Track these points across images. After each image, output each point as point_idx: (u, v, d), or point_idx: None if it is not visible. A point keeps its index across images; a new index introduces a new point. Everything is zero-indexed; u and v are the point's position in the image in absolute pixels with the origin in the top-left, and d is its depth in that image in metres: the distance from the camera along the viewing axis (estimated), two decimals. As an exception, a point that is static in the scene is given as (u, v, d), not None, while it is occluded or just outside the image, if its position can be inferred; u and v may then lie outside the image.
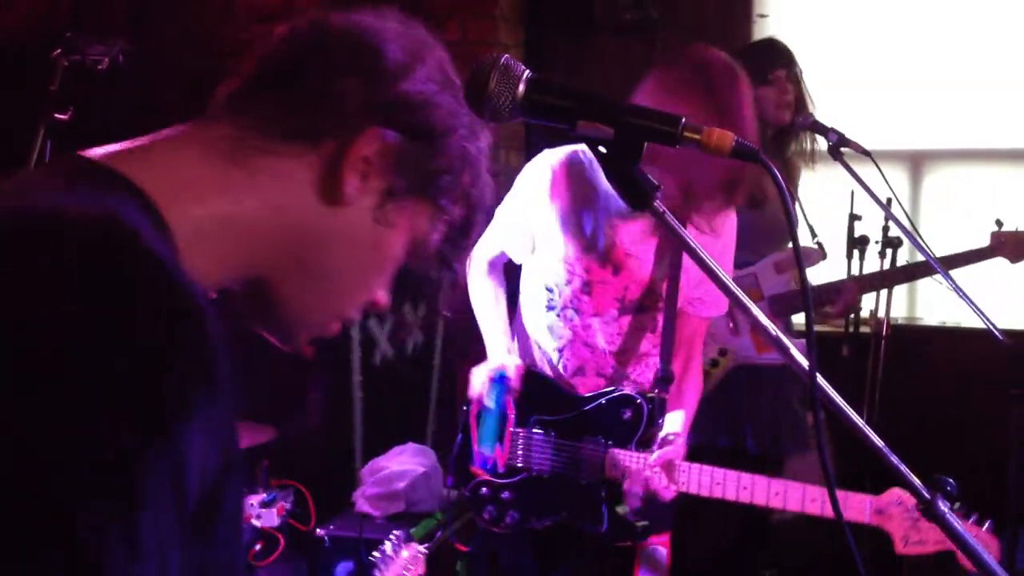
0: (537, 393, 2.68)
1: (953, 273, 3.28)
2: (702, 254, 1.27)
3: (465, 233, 1.20)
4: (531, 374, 2.70)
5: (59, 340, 0.79)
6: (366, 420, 3.90)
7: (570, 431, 2.63)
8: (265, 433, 3.33)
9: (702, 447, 3.62)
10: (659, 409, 2.60)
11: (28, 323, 0.79)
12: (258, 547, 3.15)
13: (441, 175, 1.14)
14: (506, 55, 1.25)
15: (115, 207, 0.91)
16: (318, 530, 3.20)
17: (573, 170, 2.60)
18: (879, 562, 3.68)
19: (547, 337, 2.72)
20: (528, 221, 2.68)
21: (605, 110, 1.24)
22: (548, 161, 2.64)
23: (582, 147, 2.57)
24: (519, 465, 2.66)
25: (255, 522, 3.15)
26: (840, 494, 2.42)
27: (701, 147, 1.21)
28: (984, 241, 3.69)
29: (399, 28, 1.15)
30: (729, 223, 2.68)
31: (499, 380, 2.63)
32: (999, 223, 3.67)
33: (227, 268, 1.06)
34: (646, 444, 2.57)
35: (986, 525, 2.37)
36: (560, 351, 2.70)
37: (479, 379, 2.65)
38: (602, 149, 1.24)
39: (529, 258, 2.74)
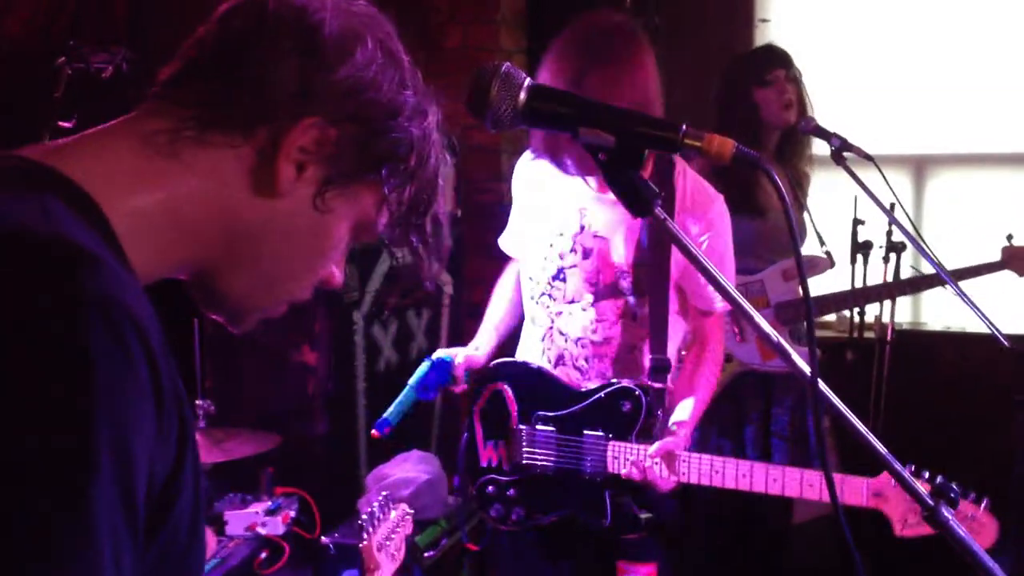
0: (539, 389, 2.69)
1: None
2: (703, 259, 1.27)
3: (417, 212, 1.18)
4: (532, 370, 2.72)
5: None
6: (370, 427, 3.90)
7: (572, 426, 2.63)
8: (269, 441, 3.33)
9: (704, 451, 3.63)
10: (657, 400, 2.59)
11: None
12: (263, 555, 3.15)
13: (383, 160, 1.12)
14: (507, 63, 1.25)
15: (35, 212, 0.91)
16: (323, 538, 3.19)
17: (538, 161, 2.69)
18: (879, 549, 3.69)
19: (533, 328, 2.76)
20: (515, 217, 2.86)
21: (606, 117, 1.25)
22: (522, 157, 2.81)
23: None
24: (524, 462, 2.67)
25: (260, 530, 3.15)
26: (837, 477, 2.40)
27: (701, 153, 1.21)
28: (988, 246, 3.69)
29: (337, 4, 1.12)
30: (715, 209, 2.66)
31: (436, 363, 2.75)
32: (1010, 237, 3.67)
33: (169, 259, 1.06)
34: (647, 435, 2.58)
35: (983, 504, 2.36)
36: (542, 340, 2.73)
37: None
38: (602, 156, 1.24)
39: (523, 252, 2.82)
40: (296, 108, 1.06)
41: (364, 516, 2.24)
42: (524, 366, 2.73)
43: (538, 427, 2.66)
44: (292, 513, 3.24)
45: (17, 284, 0.82)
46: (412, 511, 2.45)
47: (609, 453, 2.57)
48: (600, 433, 2.59)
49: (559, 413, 2.65)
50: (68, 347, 0.81)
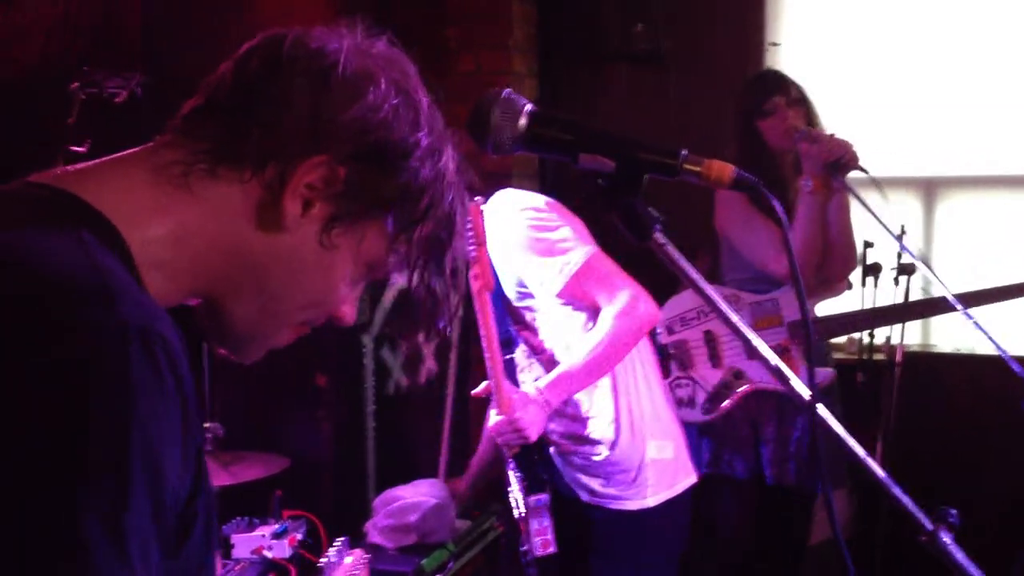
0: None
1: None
2: (702, 285, 1.27)
3: (432, 253, 1.19)
4: None
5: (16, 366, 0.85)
6: (379, 450, 3.90)
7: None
8: (278, 464, 3.33)
9: (721, 477, 3.62)
10: (509, 369, 2.74)
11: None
12: (270, 578, 3.15)
13: (392, 201, 1.13)
14: (508, 89, 1.26)
15: (73, 244, 0.95)
16: (320, 561, 3.19)
17: None
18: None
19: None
20: None
21: (606, 143, 1.25)
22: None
23: None
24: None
25: (267, 553, 3.14)
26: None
27: (701, 178, 1.22)
28: (998, 268, 3.68)
29: (354, 46, 1.14)
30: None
31: None
32: None
33: (179, 287, 1.09)
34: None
35: None
36: None
37: None
38: (601, 182, 1.25)
39: None
40: (305, 146, 1.09)
41: (322, 561, 2.26)
42: None
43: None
44: (299, 536, 3.23)
45: (62, 316, 0.87)
46: (369, 556, 2.47)
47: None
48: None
49: None
50: (112, 376, 0.85)
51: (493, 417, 2.67)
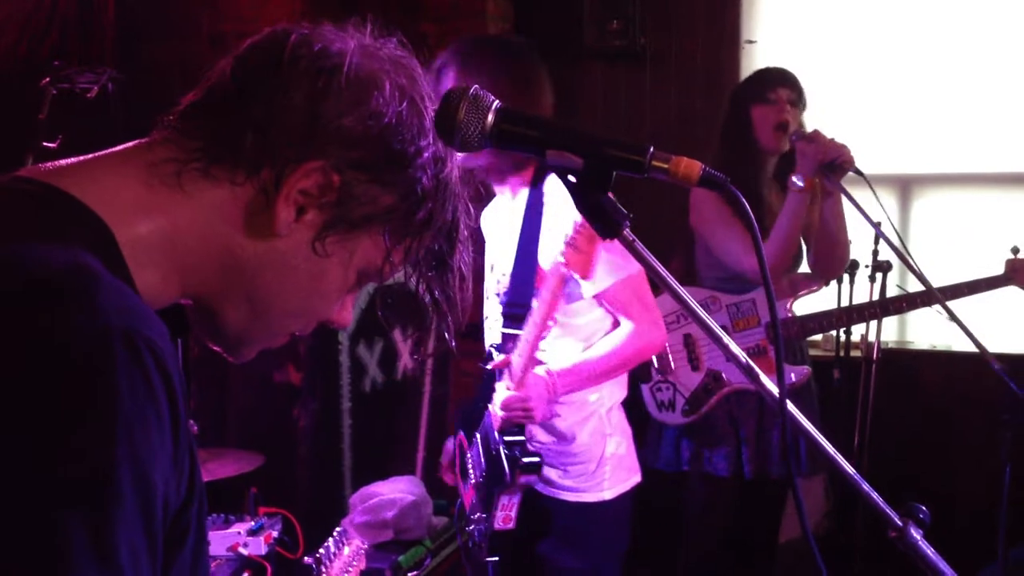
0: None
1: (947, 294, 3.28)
2: (672, 283, 1.27)
3: (432, 264, 1.18)
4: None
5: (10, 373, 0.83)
6: (355, 447, 3.88)
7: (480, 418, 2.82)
8: (253, 461, 3.32)
9: (701, 474, 3.63)
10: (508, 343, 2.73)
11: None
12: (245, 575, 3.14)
13: (388, 211, 1.10)
14: (475, 86, 1.25)
15: (57, 243, 0.93)
16: (306, 558, 3.18)
17: None
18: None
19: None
20: None
21: (574, 140, 1.24)
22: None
23: None
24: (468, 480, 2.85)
25: (242, 550, 3.13)
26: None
27: (669, 175, 1.21)
28: (973, 266, 3.69)
29: (361, 48, 1.11)
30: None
31: None
32: (1015, 250, 3.62)
33: (171, 287, 1.07)
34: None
35: None
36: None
37: None
38: (571, 179, 1.24)
39: None
40: (301, 151, 1.06)
41: (320, 552, 2.25)
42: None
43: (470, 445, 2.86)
44: (275, 533, 3.23)
45: (44, 316, 0.85)
46: (366, 545, 2.47)
47: (490, 418, 2.72)
48: (487, 407, 2.76)
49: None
50: (94, 377, 0.83)
51: (502, 390, 2.67)
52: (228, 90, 1.08)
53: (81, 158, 1.07)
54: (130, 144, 1.09)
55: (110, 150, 1.08)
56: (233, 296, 1.10)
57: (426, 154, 1.12)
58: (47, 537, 0.80)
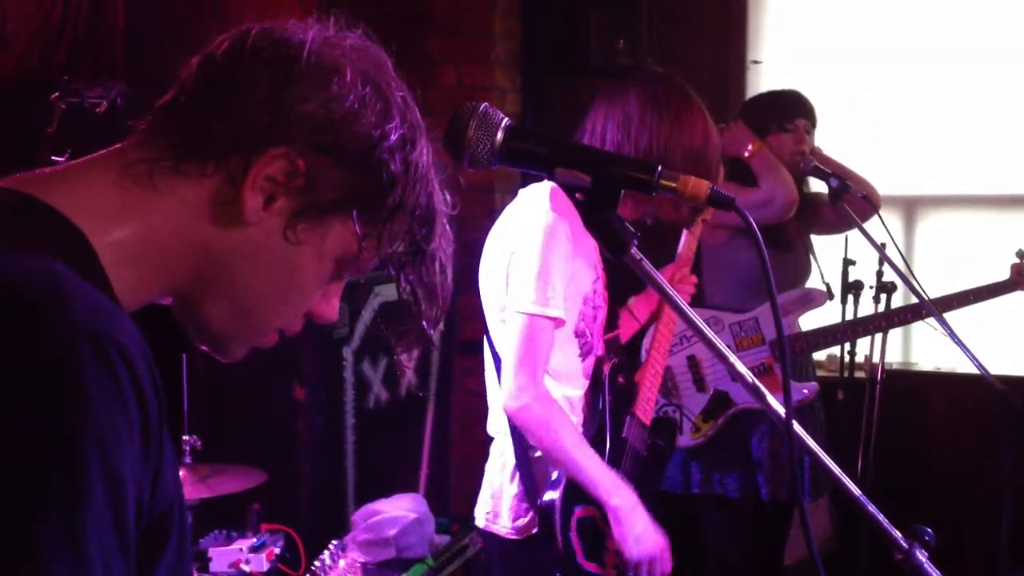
0: None
1: (950, 314, 3.28)
2: (680, 302, 1.27)
3: (408, 249, 1.16)
4: None
5: None
6: (358, 464, 3.87)
7: None
8: (256, 477, 3.32)
9: (712, 497, 3.60)
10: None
11: None
12: (247, 592, 3.13)
13: (358, 195, 1.10)
14: (485, 103, 1.26)
15: (25, 247, 0.94)
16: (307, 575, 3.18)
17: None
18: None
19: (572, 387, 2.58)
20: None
21: (583, 158, 1.25)
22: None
23: None
24: None
25: (244, 567, 3.13)
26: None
27: (677, 194, 1.22)
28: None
29: (322, 37, 1.12)
30: None
31: None
32: (1021, 254, 3.59)
33: (150, 287, 1.08)
34: None
35: None
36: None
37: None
38: (579, 197, 1.25)
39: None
40: (265, 138, 1.06)
41: (316, 565, 2.25)
42: None
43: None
44: (277, 550, 3.22)
45: (9, 319, 0.86)
46: (362, 560, 2.44)
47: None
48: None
49: None
50: (61, 374, 0.85)
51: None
52: (195, 86, 1.10)
53: (58, 167, 1.08)
54: (106, 150, 1.10)
55: (87, 157, 1.09)
56: (211, 291, 1.10)
57: (393, 137, 1.11)
58: (15, 526, 0.81)
